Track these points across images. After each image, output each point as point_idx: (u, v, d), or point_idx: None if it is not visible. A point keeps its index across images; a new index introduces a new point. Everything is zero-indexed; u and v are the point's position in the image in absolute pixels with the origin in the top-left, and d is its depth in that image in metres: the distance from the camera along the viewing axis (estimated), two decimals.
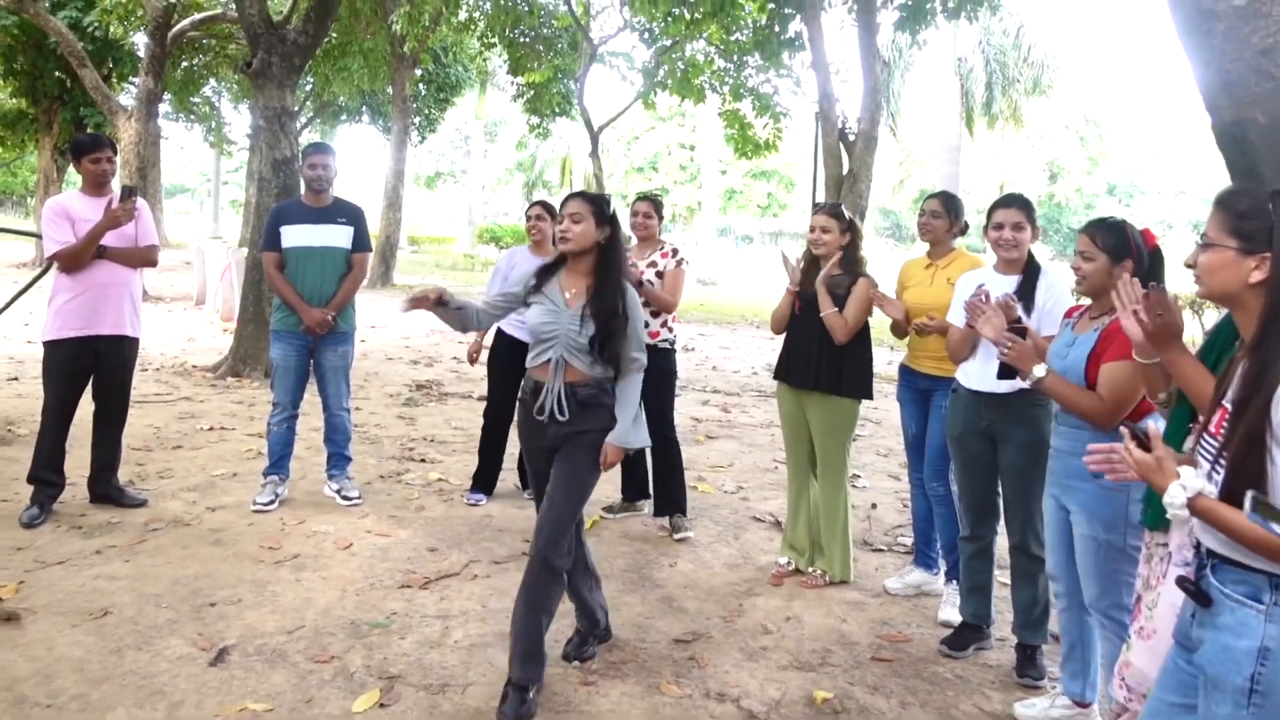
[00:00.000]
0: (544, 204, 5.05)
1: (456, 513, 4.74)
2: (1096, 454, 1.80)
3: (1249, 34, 2.61)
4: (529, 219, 4.98)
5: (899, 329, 3.90)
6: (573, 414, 2.91)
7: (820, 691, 3.03)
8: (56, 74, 18.30)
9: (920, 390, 3.81)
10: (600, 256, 2.95)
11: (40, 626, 3.19)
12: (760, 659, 3.27)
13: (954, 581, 3.66)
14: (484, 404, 5.26)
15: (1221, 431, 1.63)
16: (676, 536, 4.48)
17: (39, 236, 10.88)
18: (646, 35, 14.18)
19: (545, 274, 3.02)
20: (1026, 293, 3.18)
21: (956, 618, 3.52)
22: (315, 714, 2.76)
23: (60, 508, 4.36)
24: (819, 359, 3.85)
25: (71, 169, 22.94)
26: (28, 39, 17.38)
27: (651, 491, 4.71)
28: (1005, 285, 3.22)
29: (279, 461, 4.71)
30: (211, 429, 6.21)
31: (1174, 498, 1.61)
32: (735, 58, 13.49)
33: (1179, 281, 3.48)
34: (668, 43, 13.72)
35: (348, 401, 4.86)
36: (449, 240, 40.98)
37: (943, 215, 3.79)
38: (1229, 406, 1.63)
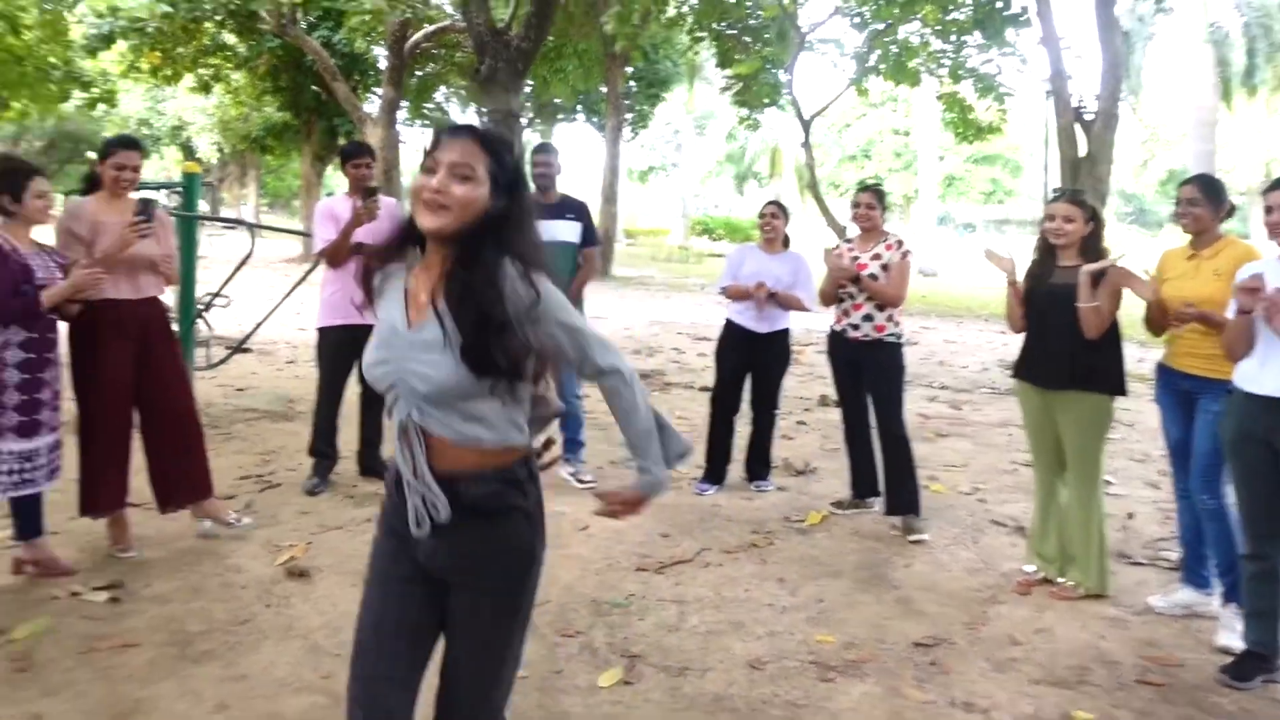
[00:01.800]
0: (779, 204, 5.17)
1: (686, 501, 4.83)
2: None
3: None
4: (763, 216, 5.04)
5: (1155, 323, 3.55)
6: (457, 527, 1.70)
7: (1080, 712, 2.84)
8: (313, 88, 20.29)
9: (1182, 392, 3.46)
10: (478, 231, 1.67)
11: (327, 583, 3.57)
12: (1009, 670, 3.10)
13: (1233, 604, 3.31)
14: (707, 394, 5.32)
15: None
16: (911, 538, 4.34)
17: (304, 235, 12.14)
18: (857, 20, 13.79)
19: (377, 274, 1.83)
20: None
21: (1238, 644, 3.17)
22: (565, 684, 2.90)
23: (334, 478, 4.84)
24: (1069, 354, 3.59)
25: (329, 173, 25.40)
26: (289, 59, 19.40)
27: (882, 489, 4.58)
28: None
29: None
30: None
31: None
32: (953, 38, 12.84)
33: None
34: (880, 26, 13.27)
35: (580, 390, 5.07)
36: (663, 232, 41.79)
37: (1202, 202, 3.42)
38: None
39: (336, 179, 28.60)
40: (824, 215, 15.79)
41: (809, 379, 8.43)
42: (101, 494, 3.72)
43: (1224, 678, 3.04)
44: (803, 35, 15.04)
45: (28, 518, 3.52)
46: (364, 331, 4.87)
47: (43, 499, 3.54)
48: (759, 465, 5.11)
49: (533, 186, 5.07)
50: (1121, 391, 3.66)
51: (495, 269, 1.65)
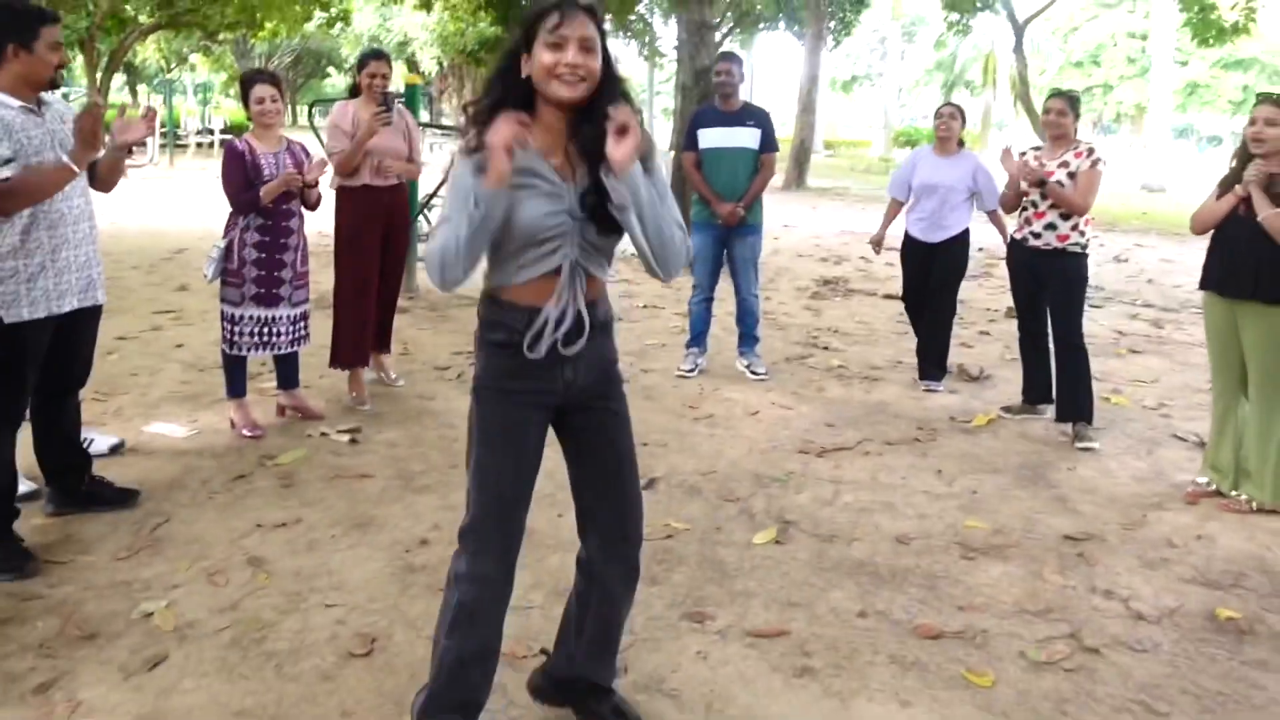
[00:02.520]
0: (956, 105, 5.29)
1: (855, 395, 5.03)
2: None
3: None
4: (940, 116, 5.17)
5: None
6: (593, 342, 1.93)
7: (1226, 610, 2.88)
8: (523, 3, 20.95)
9: None
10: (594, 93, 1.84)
11: None
12: (1159, 569, 3.16)
13: None
14: (889, 300, 5.44)
15: None
16: (1079, 445, 4.34)
17: None
18: None
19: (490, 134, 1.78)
20: None
21: None
22: (722, 539, 3.26)
23: None
24: (1259, 265, 3.45)
25: None
26: None
27: (1055, 396, 4.58)
28: None
29: (698, 336, 5.34)
30: (645, 306, 7.16)
31: None
32: None
33: None
34: None
35: (756, 288, 5.31)
36: (864, 144, 40.39)
37: None
38: None
39: None
40: (1036, 129, 14.84)
41: (999, 291, 8.21)
42: (349, 350, 4.49)
43: None
44: None
45: (287, 372, 4.25)
46: None
47: (298, 357, 4.25)
48: (930, 366, 5.24)
49: (716, 96, 5.28)
50: None
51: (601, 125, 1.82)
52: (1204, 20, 12.44)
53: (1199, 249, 12.00)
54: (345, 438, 4.03)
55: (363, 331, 4.49)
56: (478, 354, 1.98)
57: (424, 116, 11.65)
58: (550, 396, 1.96)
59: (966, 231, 5.15)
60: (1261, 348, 3.55)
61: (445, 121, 30.84)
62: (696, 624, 2.71)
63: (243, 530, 3.17)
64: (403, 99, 4.42)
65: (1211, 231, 3.73)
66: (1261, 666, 2.58)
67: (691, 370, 5.24)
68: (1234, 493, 3.70)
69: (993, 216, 5.12)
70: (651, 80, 43.76)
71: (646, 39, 29.90)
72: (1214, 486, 3.79)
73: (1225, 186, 3.66)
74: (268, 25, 21.75)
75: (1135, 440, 4.48)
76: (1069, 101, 4.52)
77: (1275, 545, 3.36)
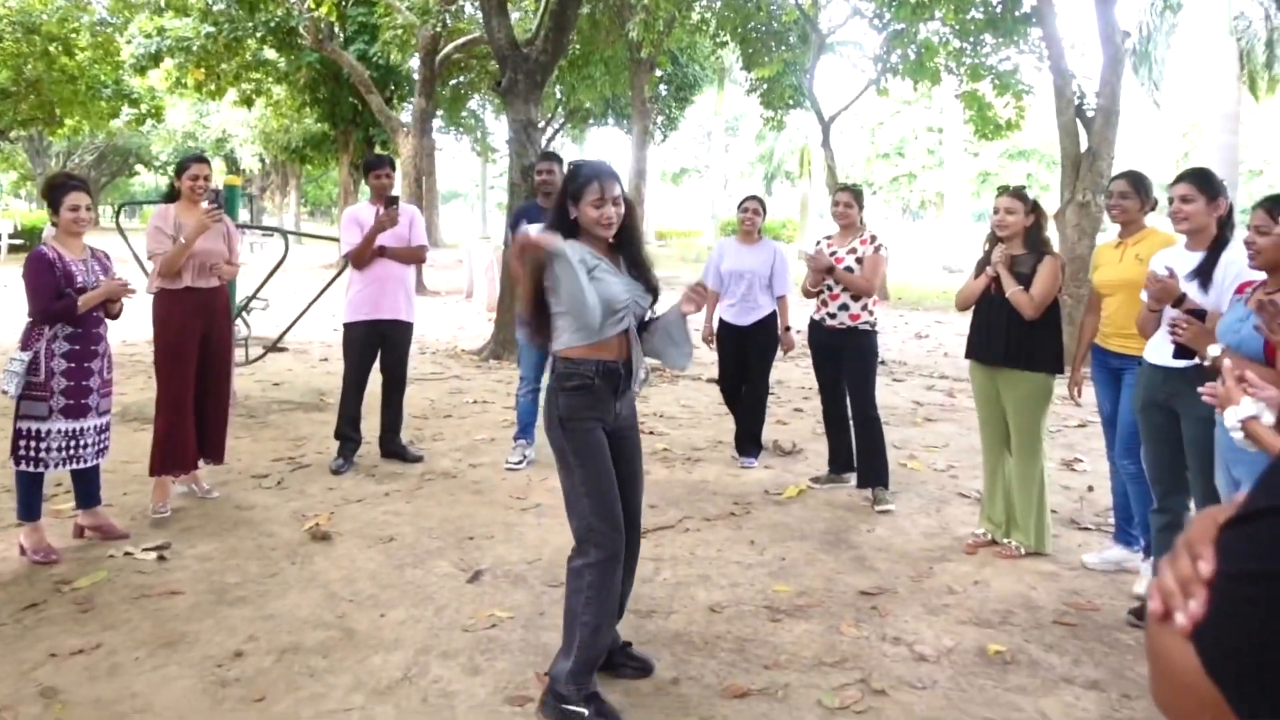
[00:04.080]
0: (758, 198, 5.63)
1: (677, 476, 5.27)
2: (1208, 389, 2.01)
3: None
4: (745, 210, 5.49)
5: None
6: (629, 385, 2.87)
7: (994, 645, 3.22)
8: (350, 100, 21.05)
9: (1112, 369, 3.83)
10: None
11: (345, 546, 4.06)
12: (941, 614, 3.49)
13: (1151, 558, 3.66)
14: (711, 384, 5.72)
15: None
16: (878, 508, 4.72)
17: (337, 240, 12.80)
18: (876, 21, 14.05)
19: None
20: (1207, 268, 3.17)
21: None
22: (545, 623, 3.35)
23: (358, 460, 5.35)
24: (1008, 335, 3.96)
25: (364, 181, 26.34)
26: (327, 72, 20.16)
27: (856, 465, 4.97)
28: (1193, 260, 3.23)
29: (525, 428, 5.46)
30: (475, 402, 7.20)
31: (1230, 418, 1.80)
32: (971, 37, 13.05)
33: None
34: (899, 27, 13.51)
35: (541, 384, 5.50)
36: (695, 234, 42.18)
37: (1132, 195, 3.79)
38: None
39: None
40: None
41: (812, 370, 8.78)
42: (169, 456, 4.34)
43: (1131, 618, 3.41)
44: (823, 38, 15.36)
45: (88, 488, 4.06)
46: (385, 326, 5.42)
47: (99, 472, 4.07)
48: (747, 443, 5.55)
49: (539, 195, 5.53)
50: (1059, 370, 4.03)
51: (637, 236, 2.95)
52: (982, 117, 13.96)
53: None
54: (152, 555, 3.87)
55: (185, 437, 4.36)
56: (558, 399, 2.76)
57: (244, 216, 11.46)
58: (606, 423, 2.80)
59: (774, 313, 5.55)
60: (1015, 408, 4.04)
61: (267, 221, 30.05)
62: (518, 707, 2.79)
63: (35, 661, 3.00)
64: (219, 203, 4.41)
65: (973, 307, 4.23)
66: (1021, 691, 2.91)
67: (520, 463, 5.33)
68: (1006, 540, 4.14)
69: (780, 301, 5.53)
70: (484, 175, 44.57)
71: (478, 134, 30.53)
72: (990, 536, 4.21)
73: (980, 268, 4.18)
74: (68, 122, 20.78)
75: (926, 500, 4.92)
76: (854, 195, 5.02)
77: (1039, 584, 3.78)
